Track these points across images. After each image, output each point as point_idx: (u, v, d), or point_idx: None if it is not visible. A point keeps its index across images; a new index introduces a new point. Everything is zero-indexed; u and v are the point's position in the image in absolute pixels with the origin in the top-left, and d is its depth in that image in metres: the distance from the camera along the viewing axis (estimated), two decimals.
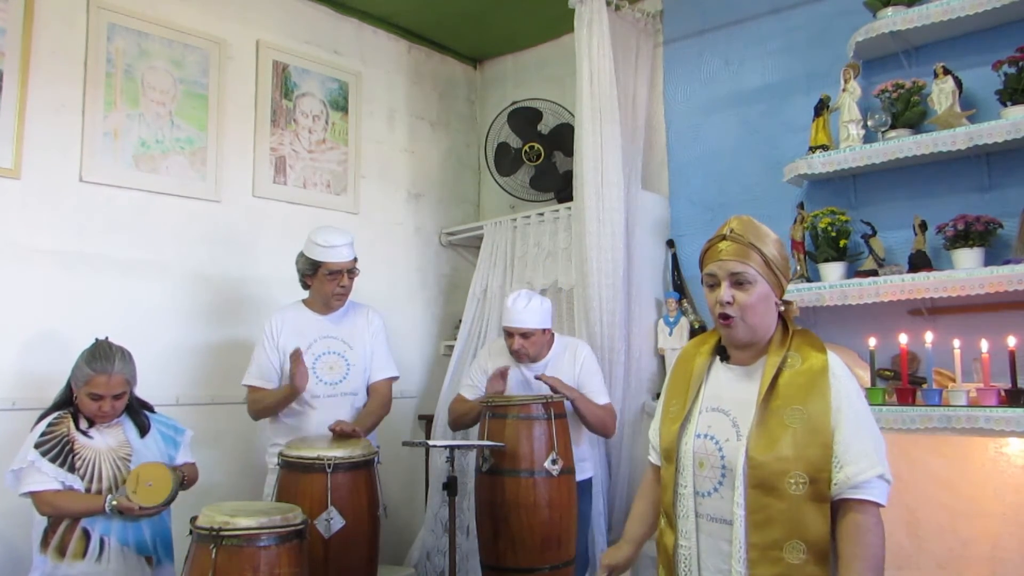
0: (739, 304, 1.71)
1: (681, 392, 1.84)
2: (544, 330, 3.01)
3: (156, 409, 2.70)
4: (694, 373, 1.83)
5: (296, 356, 2.82)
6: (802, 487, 1.59)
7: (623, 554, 1.90)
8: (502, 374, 3.01)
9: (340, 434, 2.74)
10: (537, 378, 2.91)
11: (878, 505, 1.61)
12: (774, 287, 1.74)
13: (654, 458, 1.95)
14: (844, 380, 1.69)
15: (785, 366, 1.71)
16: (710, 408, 1.77)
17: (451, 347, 4.22)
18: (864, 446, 1.62)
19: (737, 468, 1.64)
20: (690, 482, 1.73)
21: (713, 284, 1.76)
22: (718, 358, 1.83)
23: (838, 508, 1.61)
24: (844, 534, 1.60)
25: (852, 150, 2.97)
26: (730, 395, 1.76)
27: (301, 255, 3.01)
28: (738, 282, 1.71)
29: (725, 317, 1.72)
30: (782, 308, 1.79)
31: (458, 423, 3.14)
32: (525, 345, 2.98)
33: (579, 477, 2.97)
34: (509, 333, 3.00)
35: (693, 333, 3.50)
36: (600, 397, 2.99)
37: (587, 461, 3.10)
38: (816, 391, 1.66)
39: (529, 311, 2.95)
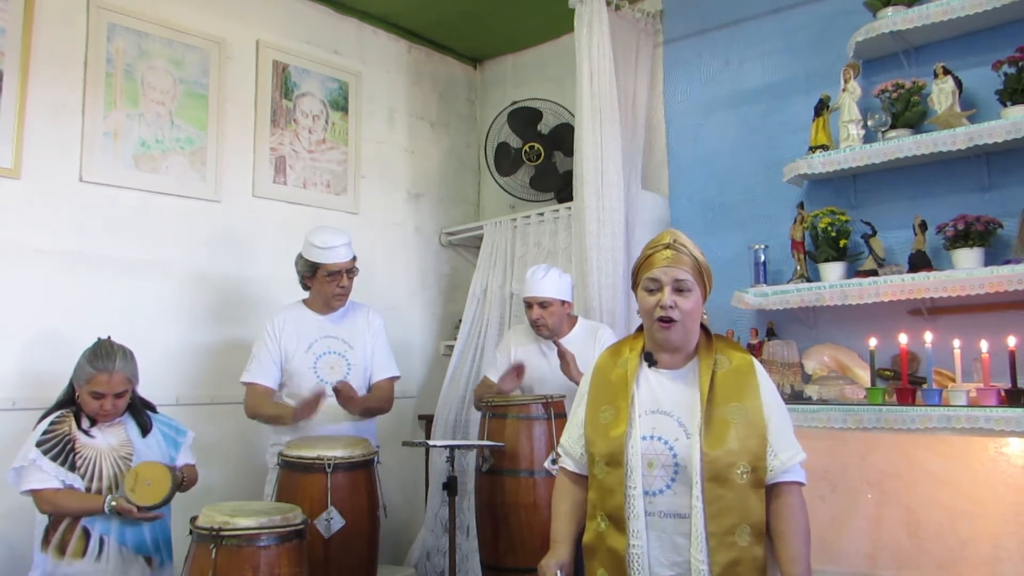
0: (680, 309, 1.84)
1: (609, 399, 1.91)
2: (563, 302, 3.04)
3: (158, 409, 2.70)
4: (627, 379, 1.90)
5: (318, 396, 2.80)
6: (746, 476, 1.75)
7: (564, 553, 1.93)
8: (517, 372, 3.00)
9: (342, 395, 2.77)
10: (555, 343, 2.90)
11: (802, 485, 1.81)
12: (703, 295, 1.90)
13: (571, 466, 2.00)
14: (767, 377, 1.89)
15: (717, 367, 1.86)
16: (649, 411, 1.86)
17: (451, 347, 4.22)
18: (790, 435, 1.84)
19: (692, 464, 1.76)
20: (639, 483, 1.80)
21: (654, 289, 1.87)
22: (645, 364, 1.92)
23: (770, 491, 1.79)
24: (779, 514, 1.78)
25: (852, 150, 2.97)
26: (668, 397, 1.87)
27: (300, 257, 3.01)
28: (679, 289, 1.85)
29: (667, 320, 1.84)
30: (704, 316, 1.94)
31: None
32: (543, 315, 3.00)
33: None
34: (528, 304, 3.04)
35: None
36: None
37: None
38: (748, 388, 1.84)
39: (547, 280, 3.00)
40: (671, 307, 1.83)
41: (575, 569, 1.94)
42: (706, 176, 3.72)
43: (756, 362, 1.89)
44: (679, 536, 1.76)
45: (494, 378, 3.13)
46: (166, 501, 2.42)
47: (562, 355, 2.86)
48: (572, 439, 2.00)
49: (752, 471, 1.75)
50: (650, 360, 1.92)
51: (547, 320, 3.01)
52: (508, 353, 3.16)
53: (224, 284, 3.54)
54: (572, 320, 3.13)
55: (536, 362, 3.07)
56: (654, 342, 1.91)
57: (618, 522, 1.81)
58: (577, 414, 2.00)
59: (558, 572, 1.87)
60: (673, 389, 1.87)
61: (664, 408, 1.85)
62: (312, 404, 2.78)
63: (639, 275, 1.92)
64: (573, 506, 1.98)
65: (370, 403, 3.00)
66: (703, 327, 1.95)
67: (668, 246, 1.89)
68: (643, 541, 1.78)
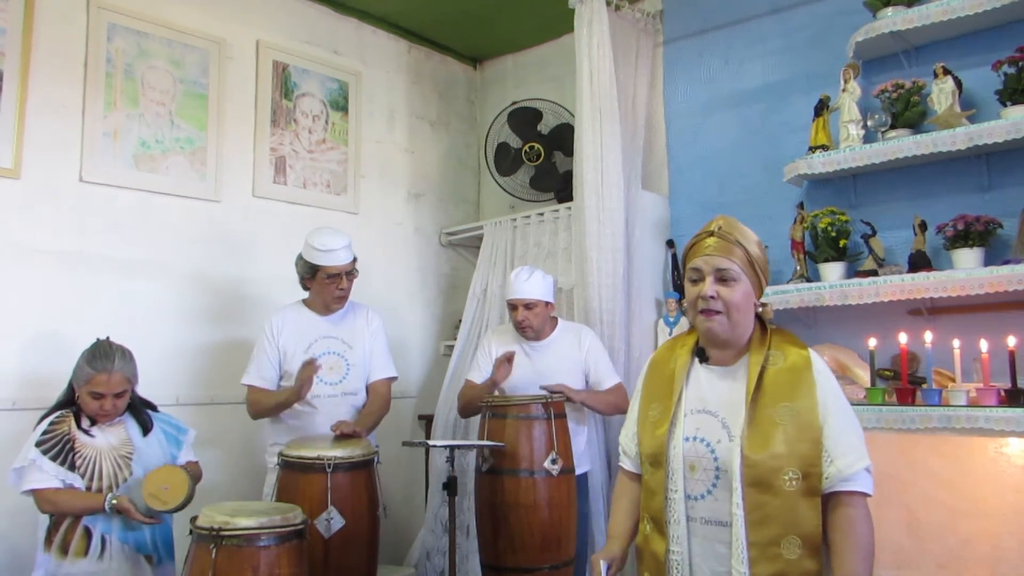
0: (723, 300, 1.72)
1: (660, 396, 1.83)
2: (547, 303, 3.06)
3: (159, 409, 2.70)
4: (675, 376, 1.81)
5: (309, 365, 2.80)
6: (795, 483, 1.61)
7: (617, 549, 1.87)
8: (508, 359, 3.01)
9: (342, 435, 2.74)
10: (543, 388, 2.87)
11: (866, 495, 1.64)
12: (755, 287, 1.76)
13: (627, 464, 1.94)
14: (826, 375, 1.72)
15: (768, 364, 1.72)
16: (695, 410, 1.76)
17: (451, 347, 4.22)
18: (851, 439, 1.65)
19: (733, 469, 1.64)
20: (681, 486, 1.71)
21: (697, 279, 1.76)
22: (697, 360, 1.82)
23: (828, 501, 1.63)
24: (837, 526, 1.62)
25: (852, 150, 2.97)
26: (715, 396, 1.75)
27: (300, 258, 3.01)
28: (723, 278, 1.73)
29: (708, 311, 1.73)
30: (760, 309, 1.80)
31: (468, 408, 3.13)
32: (528, 316, 3.02)
33: (577, 472, 2.97)
34: (513, 306, 3.05)
35: None
36: (609, 379, 3.02)
37: (582, 455, 3.07)
38: (802, 387, 1.68)
39: (532, 283, 3.02)
40: (712, 297, 1.71)
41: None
42: (706, 176, 3.72)
43: (816, 359, 1.73)
44: (720, 544, 1.66)
45: (476, 380, 3.12)
46: (186, 503, 2.41)
47: (553, 389, 2.84)
48: (628, 436, 1.92)
49: (803, 478, 1.60)
50: (702, 356, 1.80)
51: (532, 321, 3.03)
52: (489, 355, 3.15)
53: (224, 284, 3.54)
54: (553, 321, 3.15)
55: (520, 363, 3.07)
56: (702, 336, 1.79)
57: (660, 526, 1.74)
58: (633, 410, 1.93)
59: (604, 568, 1.80)
60: (721, 387, 1.75)
61: (709, 408, 1.75)
62: (308, 376, 2.77)
63: (685, 264, 1.82)
64: (631, 503, 1.89)
65: (371, 420, 2.98)
66: (761, 321, 1.80)
67: (712, 233, 1.76)
68: (684, 547, 1.69)
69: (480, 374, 3.13)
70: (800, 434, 1.63)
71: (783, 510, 1.61)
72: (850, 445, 1.64)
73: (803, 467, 1.61)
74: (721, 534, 1.66)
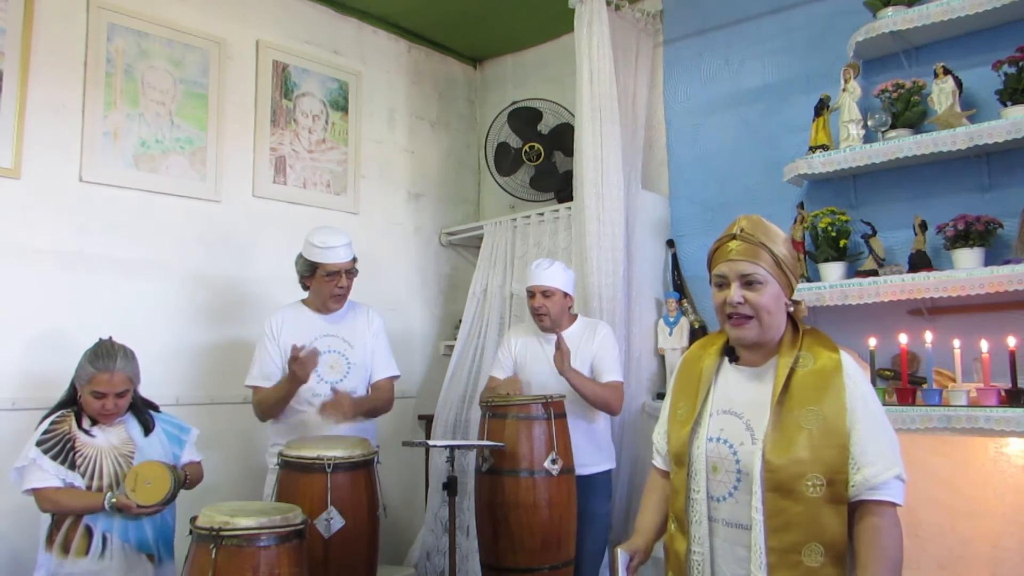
0: (752, 304, 1.68)
1: (689, 394, 1.81)
2: (565, 294, 3.06)
3: (161, 409, 2.70)
4: (702, 375, 1.79)
5: (310, 354, 2.78)
6: (819, 489, 1.57)
7: (641, 542, 1.86)
8: (517, 380, 3.02)
9: (335, 403, 2.78)
10: (557, 334, 2.90)
11: (895, 505, 1.60)
12: (784, 287, 1.71)
13: (659, 462, 1.93)
14: (858, 380, 1.67)
15: (798, 366, 1.68)
16: (721, 411, 1.74)
17: (451, 347, 4.22)
18: (881, 446, 1.60)
19: (754, 472, 1.61)
20: (703, 487, 1.70)
21: (722, 284, 1.72)
22: (726, 359, 1.79)
23: (855, 509, 1.60)
24: (862, 536, 1.58)
25: (852, 150, 2.97)
26: (741, 397, 1.73)
27: (300, 256, 3.01)
28: (748, 282, 1.68)
29: (736, 317, 1.69)
30: (791, 308, 1.75)
31: None
32: (545, 304, 3.01)
33: (596, 469, 2.97)
34: (531, 293, 3.05)
35: (693, 333, 3.51)
36: (609, 374, 2.99)
37: (604, 452, 3.06)
38: (831, 391, 1.63)
39: (552, 271, 3.03)
40: (739, 303, 1.67)
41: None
42: (706, 176, 3.72)
43: (848, 362, 1.67)
44: (741, 547, 1.64)
45: (499, 376, 3.14)
46: (169, 500, 2.42)
47: (558, 345, 2.86)
48: (660, 433, 1.90)
49: (828, 484, 1.57)
50: (731, 356, 1.78)
51: (549, 309, 3.02)
52: (510, 349, 3.17)
53: (224, 284, 3.54)
54: (572, 317, 3.15)
55: (536, 356, 3.08)
56: (732, 340, 1.76)
57: (682, 525, 1.73)
58: (665, 407, 1.91)
59: (622, 557, 1.78)
60: (749, 389, 1.72)
61: (735, 409, 1.72)
62: (308, 361, 2.76)
63: (710, 268, 1.77)
64: (660, 500, 1.88)
65: (369, 404, 2.98)
66: (793, 320, 1.75)
67: (734, 237, 1.70)
68: (705, 548, 1.68)
69: (503, 370, 3.15)
70: (825, 439, 1.59)
71: (805, 516, 1.57)
72: (879, 453, 1.59)
73: (828, 473, 1.57)
74: (742, 537, 1.64)
